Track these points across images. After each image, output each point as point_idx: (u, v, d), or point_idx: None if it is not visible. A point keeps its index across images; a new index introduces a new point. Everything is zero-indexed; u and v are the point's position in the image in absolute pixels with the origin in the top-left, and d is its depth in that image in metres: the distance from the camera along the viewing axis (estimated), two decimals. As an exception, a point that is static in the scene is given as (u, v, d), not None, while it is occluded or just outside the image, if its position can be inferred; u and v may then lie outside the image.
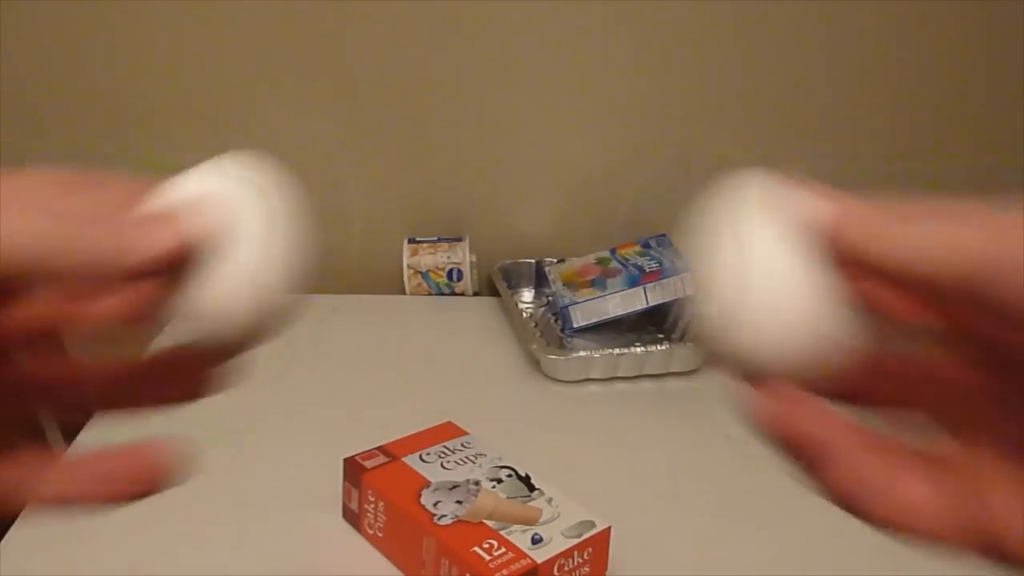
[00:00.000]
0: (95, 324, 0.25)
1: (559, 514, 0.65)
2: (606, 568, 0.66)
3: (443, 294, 1.22)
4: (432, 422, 0.79)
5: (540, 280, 1.25)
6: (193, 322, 0.26)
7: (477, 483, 0.69)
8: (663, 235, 1.17)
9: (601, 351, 0.99)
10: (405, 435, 0.75)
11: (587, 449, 0.86)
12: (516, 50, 1.18)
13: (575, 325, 1.08)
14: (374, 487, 0.68)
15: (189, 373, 0.28)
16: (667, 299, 1.09)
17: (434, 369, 1.01)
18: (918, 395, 0.26)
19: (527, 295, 1.25)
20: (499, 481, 0.69)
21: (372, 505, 0.68)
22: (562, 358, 0.99)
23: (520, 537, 0.62)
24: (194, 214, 0.25)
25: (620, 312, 1.08)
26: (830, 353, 0.25)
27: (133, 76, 1.17)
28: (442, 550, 0.62)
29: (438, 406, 0.91)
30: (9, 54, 1.15)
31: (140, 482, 0.28)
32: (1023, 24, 1.20)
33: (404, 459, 0.72)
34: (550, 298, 1.18)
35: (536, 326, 1.14)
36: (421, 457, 0.72)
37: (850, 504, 0.25)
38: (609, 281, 1.09)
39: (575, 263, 1.16)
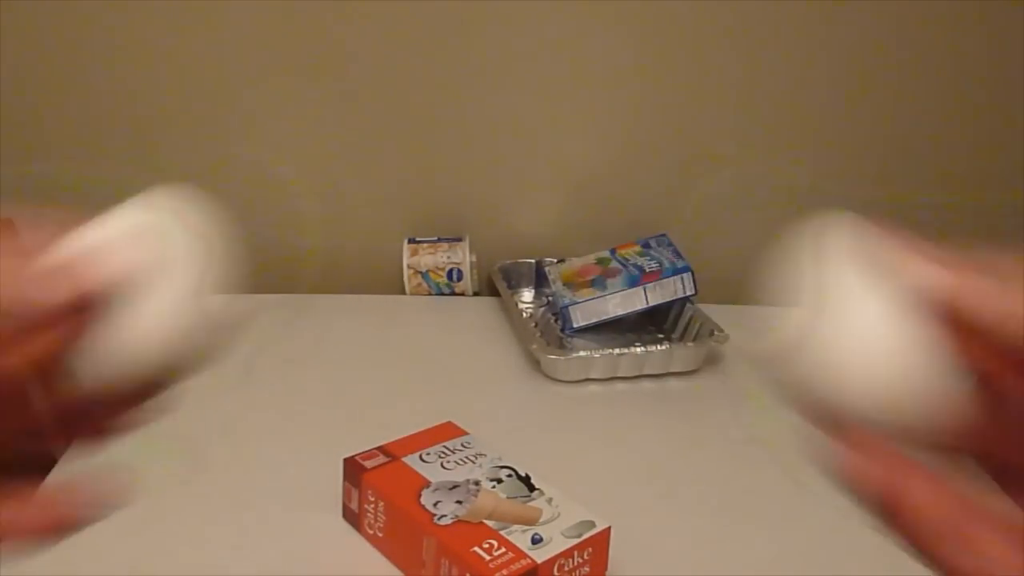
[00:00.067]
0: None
1: (559, 514, 0.65)
2: (606, 568, 0.66)
3: (443, 294, 1.22)
4: (432, 422, 0.79)
5: (540, 280, 1.25)
6: (102, 365, 0.26)
7: (477, 483, 0.69)
8: (663, 235, 1.17)
9: (601, 351, 0.99)
10: (405, 435, 0.75)
11: (587, 449, 0.86)
12: (516, 50, 1.18)
13: (575, 325, 1.08)
14: (374, 487, 0.68)
15: (99, 416, 0.29)
16: (667, 299, 1.09)
17: (434, 369, 1.01)
18: (1017, 455, 0.26)
19: (527, 295, 1.25)
20: (499, 481, 0.69)
21: (372, 505, 0.68)
22: (562, 358, 0.99)
23: (520, 537, 0.62)
24: (100, 262, 0.25)
25: (620, 312, 1.08)
26: (931, 410, 0.25)
27: (132, 77, 1.17)
28: (442, 550, 0.62)
29: (438, 406, 0.92)
30: (10, 54, 1.15)
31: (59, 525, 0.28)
32: (1023, 26, 1.20)
33: (404, 459, 0.72)
34: (550, 298, 1.18)
35: (536, 326, 1.14)
36: (421, 457, 0.72)
37: (929, 558, 0.25)
38: (609, 281, 1.09)
39: (575, 263, 1.16)
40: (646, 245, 1.16)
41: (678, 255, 1.12)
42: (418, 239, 1.22)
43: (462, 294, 1.23)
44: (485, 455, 0.73)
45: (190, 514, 0.73)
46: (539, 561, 0.60)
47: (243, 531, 0.71)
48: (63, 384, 0.27)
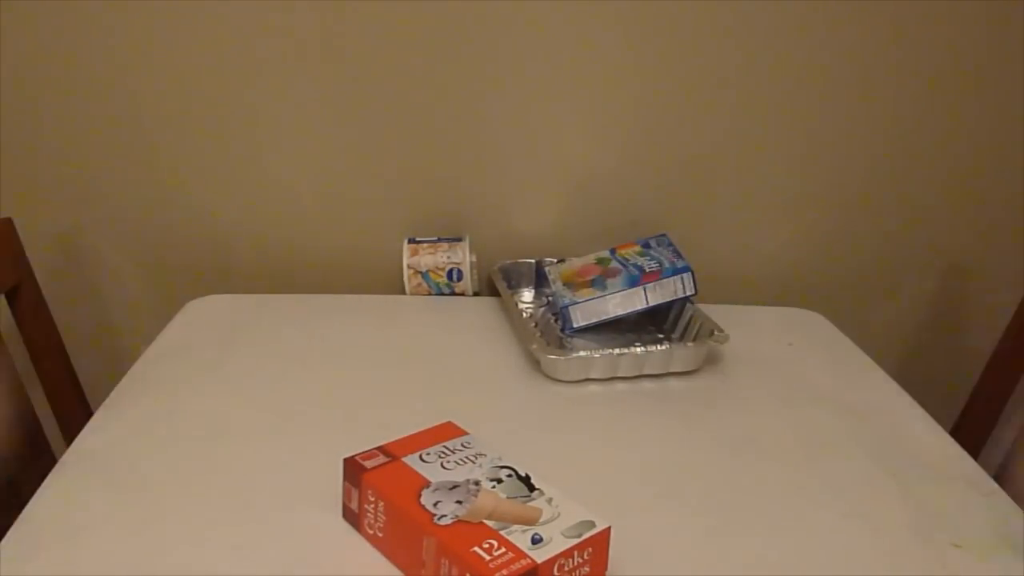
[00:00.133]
0: None
1: (559, 514, 0.65)
2: (606, 568, 0.66)
3: (443, 294, 1.22)
4: (432, 422, 0.79)
5: (540, 280, 1.25)
6: None
7: (477, 483, 0.69)
8: (663, 235, 1.18)
9: (601, 351, 0.99)
10: (405, 435, 0.76)
11: (587, 449, 0.86)
12: (516, 50, 1.18)
13: (575, 325, 1.08)
14: (374, 487, 0.68)
15: None
16: (667, 299, 1.09)
17: (434, 369, 1.01)
18: None
19: (527, 295, 1.25)
20: (499, 481, 0.69)
21: (372, 505, 0.68)
22: (562, 358, 0.99)
23: (520, 537, 0.62)
24: None
25: (620, 312, 1.08)
26: None
27: (131, 77, 1.17)
28: (442, 550, 0.62)
29: (438, 406, 0.92)
30: (10, 54, 1.15)
31: None
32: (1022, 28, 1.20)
33: (404, 459, 0.72)
34: (550, 298, 1.18)
35: (536, 326, 1.14)
36: (421, 457, 0.72)
37: None
38: (609, 281, 1.09)
39: (575, 263, 1.16)
40: (646, 245, 1.16)
41: (678, 255, 1.12)
42: (418, 239, 1.22)
43: (462, 294, 1.23)
44: (485, 455, 0.73)
45: (190, 514, 0.73)
46: (539, 561, 0.60)
47: (243, 531, 0.71)
48: None
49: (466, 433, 0.76)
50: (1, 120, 1.19)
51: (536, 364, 1.03)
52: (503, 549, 0.61)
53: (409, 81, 1.19)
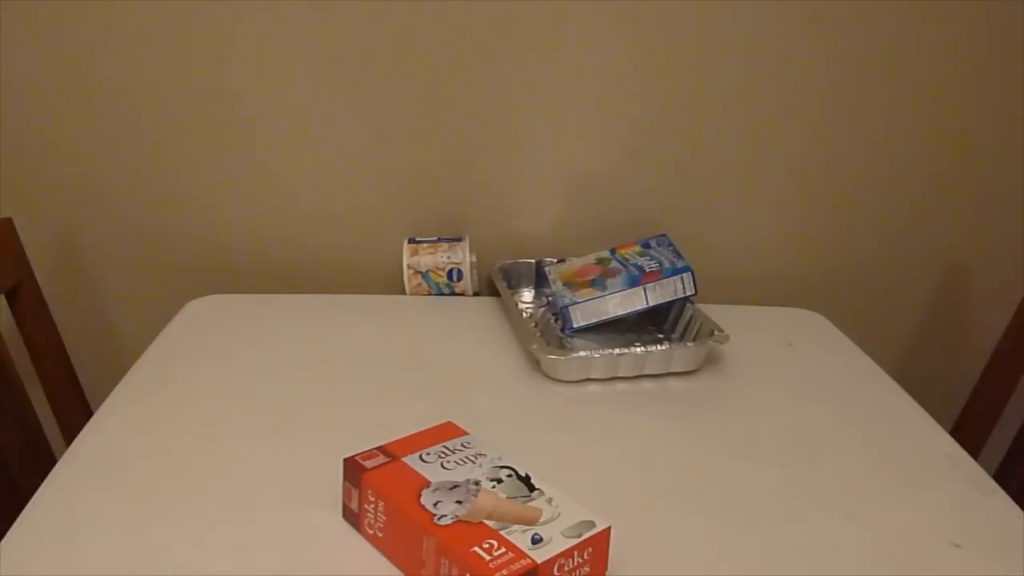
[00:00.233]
0: None
1: (559, 514, 0.65)
2: (606, 568, 0.66)
3: (443, 294, 1.22)
4: (432, 422, 0.79)
5: (540, 280, 1.25)
6: None
7: (477, 483, 0.69)
8: (663, 235, 1.18)
9: (601, 351, 0.99)
10: (405, 435, 0.76)
11: (587, 449, 0.86)
12: (516, 51, 1.18)
13: (575, 325, 1.08)
14: (374, 487, 0.68)
15: None
16: (667, 299, 1.09)
17: (434, 369, 1.01)
18: None
19: (527, 295, 1.25)
20: (499, 481, 0.69)
21: (372, 505, 0.68)
22: (562, 358, 0.99)
23: (520, 537, 0.62)
24: None
25: (620, 312, 1.08)
26: None
27: (133, 77, 1.17)
28: (442, 550, 0.62)
29: (438, 406, 0.92)
30: (10, 53, 1.15)
31: None
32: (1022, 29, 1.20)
33: (404, 459, 0.72)
34: (550, 298, 1.18)
35: (536, 326, 1.14)
36: (421, 457, 0.72)
37: None
38: (609, 281, 1.09)
39: (575, 263, 1.16)
40: (646, 245, 1.16)
41: (678, 255, 1.12)
42: (418, 239, 1.22)
43: (462, 294, 1.23)
44: (485, 455, 0.73)
45: (190, 514, 0.73)
46: (539, 561, 0.60)
47: (243, 531, 0.71)
48: None
49: (466, 433, 0.76)
50: (1, 120, 1.19)
51: (536, 364, 1.03)
52: (503, 549, 0.61)
53: (409, 82, 1.19)
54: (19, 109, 1.18)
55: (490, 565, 0.59)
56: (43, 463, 1.03)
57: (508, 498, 0.67)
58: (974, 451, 1.16)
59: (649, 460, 0.85)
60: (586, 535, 0.63)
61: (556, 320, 1.13)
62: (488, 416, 0.90)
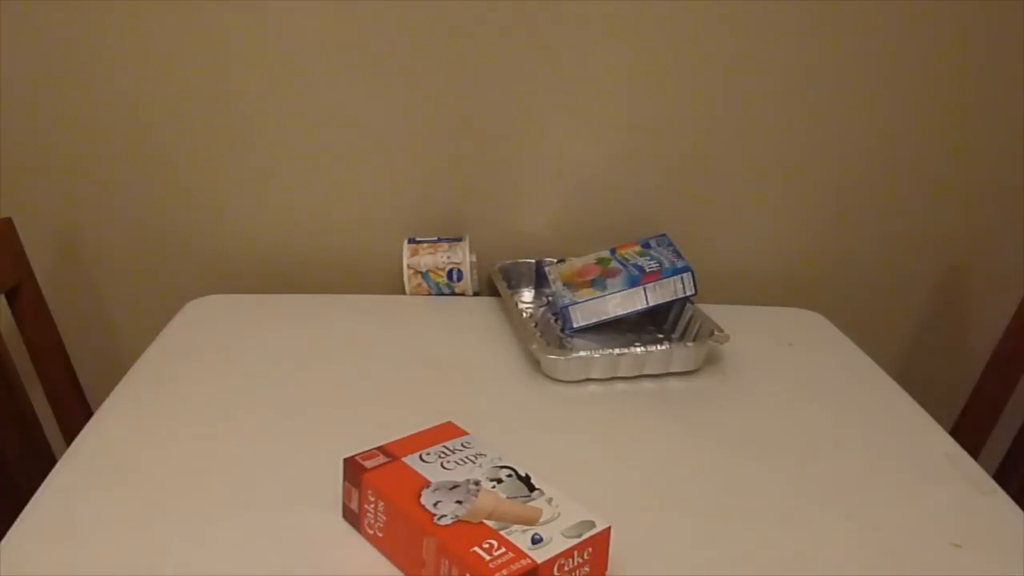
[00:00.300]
0: None
1: (559, 514, 0.65)
2: (606, 568, 0.66)
3: (443, 294, 1.22)
4: (432, 422, 0.79)
5: (540, 280, 1.25)
6: None
7: (477, 483, 0.69)
8: (663, 235, 1.18)
9: (601, 351, 0.99)
10: (405, 435, 0.76)
11: (587, 449, 0.86)
12: (516, 51, 1.18)
13: (575, 325, 1.08)
14: (374, 487, 0.68)
15: None
16: (667, 299, 1.09)
17: (434, 369, 1.01)
18: None
19: (527, 295, 1.25)
20: (499, 481, 0.69)
21: (372, 505, 0.68)
22: (562, 358, 0.99)
23: (520, 537, 0.62)
24: None
25: (620, 312, 1.08)
26: None
27: (134, 78, 1.17)
28: (442, 550, 0.62)
29: (438, 406, 0.92)
30: (11, 53, 1.15)
31: None
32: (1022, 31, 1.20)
33: (404, 459, 0.72)
34: (550, 298, 1.18)
35: (536, 326, 1.14)
36: (421, 457, 0.72)
37: None
38: (609, 281, 1.09)
39: (575, 263, 1.16)
40: (646, 245, 1.16)
41: (678, 255, 1.12)
42: (418, 239, 1.22)
43: (462, 294, 1.23)
44: (485, 455, 0.73)
45: (190, 514, 0.73)
46: (539, 561, 0.60)
47: (243, 531, 0.71)
48: None
49: (466, 433, 0.76)
50: (1, 120, 1.19)
51: (536, 364, 1.03)
52: (503, 549, 0.61)
53: (409, 82, 1.19)
54: (19, 109, 1.18)
55: (490, 565, 0.59)
56: (43, 463, 1.03)
57: (508, 498, 0.67)
58: (974, 451, 1.16)
59: (649, 460, 0.85)
60: (586, 535, 0.63)
61: (556, 320, 1.13)
62: (488, 416, 0.90)
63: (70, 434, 1.10)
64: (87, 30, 1.15)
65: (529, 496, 0.67)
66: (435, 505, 0.66)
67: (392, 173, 1.24)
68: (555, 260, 1.24)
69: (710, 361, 1.06)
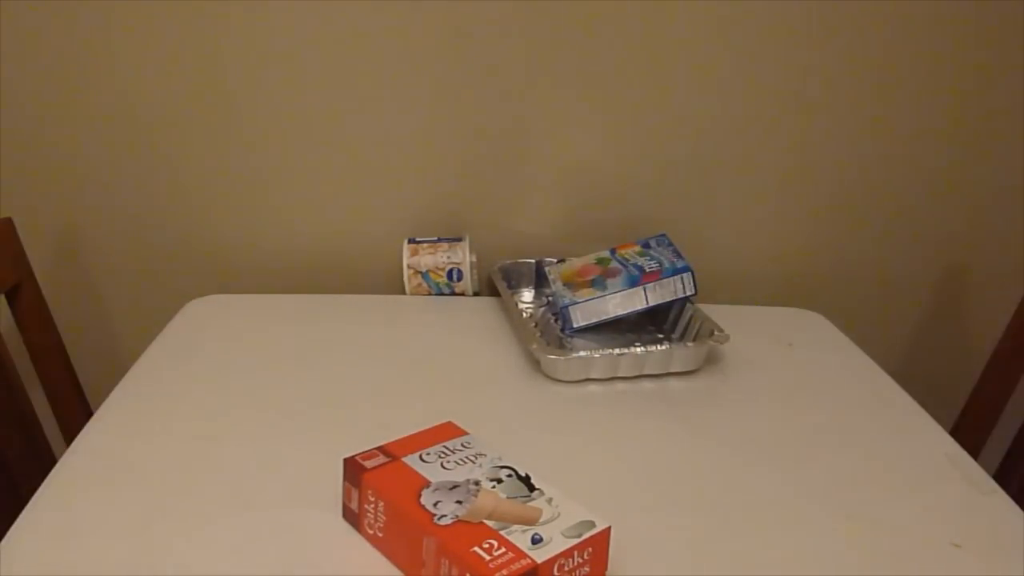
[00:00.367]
0: None
1: (559, 514, 0.65)
2: (606, 568, 0.66)
3: (443, 294, 1.22)
4: (432, 422, 0.79)
5: (540, 280, 1.25)
6: None
7: (477, 483, 0.69)
8: (663, 235, 1.18)
9: (601, 351, 0.99)
10: (405, 435, 0.76)
11: (587, 449, 0.86)
12: (516, 51, 1.18)
13: (575, 325, 1.08)
14: (374, 487, 0.68)
15: None
16: (667, 299, 1.09)
17: (434, 369, 1.01)
18: None
19: (527, 295, 1.25)
20: (499, 481, 0.69)
21: (372, 505, 0.68)
22: (562, 358, 0.99)
23: (520, 537, 0.62)
24: None
25: (620, 312, 1.08)
26: None
27: (133, 78, 1.17)
28: (442, 550, 0.62)
29: (438, 406, 0.92)
30: (11, 53, 1.15)
31: None
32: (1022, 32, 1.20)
33: (404, 459, 0.72)
34: (550, 298, 1.18)
35: (536, 326, 1.14)
36: (421, 457, 0.72)
37: None
38: (609, 281, 1.09)
39: (575, 263, 1.16)
40: (646, 245, 1.16)
41: (678, 255, 1.12)
42: (418, 239, 1.22)
43: (462, 294, 1.23)
44: (485, 455, 0.73)
45: (190, 514, 0.73)
46: (539, 561, 0.60)
47: (243, 531, 0.71)
48: None
49: (466, 433, 0.76)
50: (1, 120, 1.19)
51: (536, 364, 1.03)
52: (503, 549, 0.61)
53: (409, 82, 1.19)
54: (19, 109, 1.18)
55: (490, 565, 0.59)
56: (43, 463, 1.03)
57: (508, 498, 0.67)
58: (974, 451, 1.16)
59: (649, 460, 0.85)
60: (586, 535, 0.63)
61: (556, 320, 1.13)
62: (488, 416, 0.90)
63: (70, 434, 1.10)
64: (87, 30, 1.15)
65: (529, 496, 0.67)
66: (435, 505, 0.66)
67: (392, 173, 1.24)
68: (555, 260, 1.24)
69: (710, 361, 1.06)
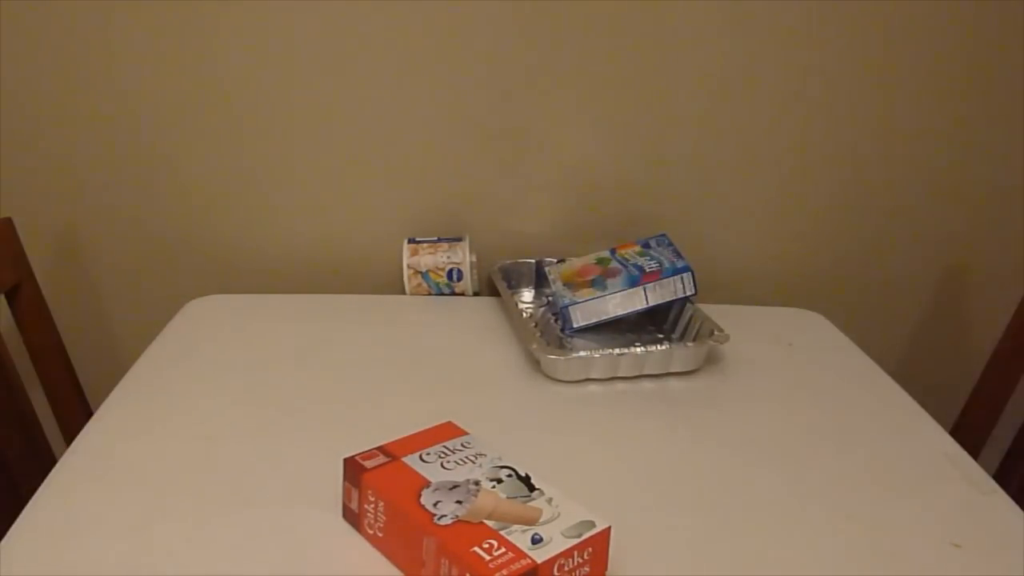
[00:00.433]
0: None
1: (559, 514, 0.65)
2: (606, 568, 0.66)
3: (443, 294, 1.22)
4: (432, 422, 0.79)
5: (540, 280, 1.25)
6: None
7: (477, 483, 0.69)
8: (663, 235, 1.17)
9: (601, 351, 0.99)
10: (405, 435, 0.76)
11: (587, 449, 0.86)
12: (516, 50, 1.18)
13: (575, 325, 1.08)
14: (374, 487, 0.68)
15: None
16: (667, 299, 1.09)
17: (434, 369, 1.01)
18: None
19: (527, 295, 1.25)
20: (499, 481, 0.69)
21: (372, 505, 0.68)
22: (562, 358, 0.99)
23: (520, 537, 0.62)
24: None
25: (620, 312, 1.08)
26: None
27: (133, 78, 1.17)
28: (442, 550, 0.62)
29: (438, 406, 0.92)
30: (11, 53, 1.15)
31: None
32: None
33: (404, 459, 0.72)
34: (550, 298, 1.18)
35: (536, 326, 1.14)
36: (421, 457, 0.72)
37: None
38: (609, 281, 1.09)
39: (575, 263, 1.16)
40: (646, 245, 1.16)
41: (678, 255, 1.12)
42: (418, 239, 1.22)
43: (462, 294, 1.23)
44: (485, 455, 0.73)
45: (190, 514, 0.73)
46: (539, 561, 0.60)
47: (243, 531, 0.71)
48: None
49: (466, 433, 0.76)
50: (1, 120, 1.19)
51: (536, 364, 1.03)
52: (503, 549, 0.61)
53: (409, 82, 1.19)
54: (19, 109, 1.18)
55: (490, 565, 0.59)
56: (43, 463, 1.03)
57: (508, 498, 0.67)
58: (974, 451, 1.16)
59: (649, 460, 0.85)
60: (586, 535, 0.63)
61: (556, 320, 1.13)
62: (488, 416, 0.90)
63: (70, 434, 1.10)
64: (87, 30, 1.15)
65: (529, 496, 0.67)
66: (435, 505, 0.66)
67: (392, 173, 1.24)
68: (555, 260, 1.24)
69: (710, 361, 1.06)
